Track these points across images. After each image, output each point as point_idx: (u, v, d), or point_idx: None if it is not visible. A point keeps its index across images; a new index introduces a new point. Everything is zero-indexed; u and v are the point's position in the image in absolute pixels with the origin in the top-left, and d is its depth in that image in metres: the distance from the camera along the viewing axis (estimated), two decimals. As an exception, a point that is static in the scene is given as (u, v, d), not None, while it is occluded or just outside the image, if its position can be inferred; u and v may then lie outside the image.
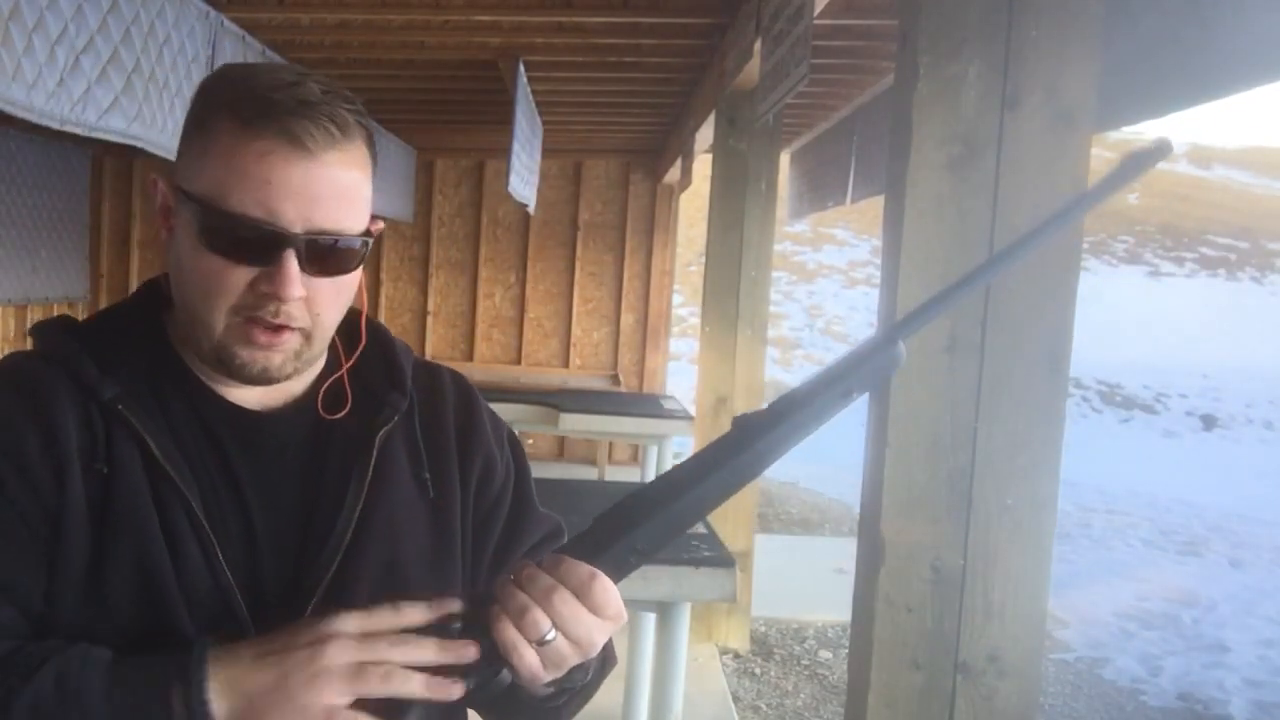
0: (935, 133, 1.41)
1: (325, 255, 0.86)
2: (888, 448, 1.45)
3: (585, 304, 7.79)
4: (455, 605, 0.81)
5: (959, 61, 1.39)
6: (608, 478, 6.76)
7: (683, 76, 4.99)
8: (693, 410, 5.18)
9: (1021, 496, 1.43)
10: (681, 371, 10.19)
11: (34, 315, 6.42)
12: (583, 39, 4.25)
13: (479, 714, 0.93)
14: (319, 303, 0.88)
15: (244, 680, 0.77)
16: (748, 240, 4.13)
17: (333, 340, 0.96)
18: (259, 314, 0.86)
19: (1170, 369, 15.73)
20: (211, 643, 0.79)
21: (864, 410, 1.50)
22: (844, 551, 5.61)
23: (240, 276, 0.85)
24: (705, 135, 4.79)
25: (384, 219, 0.95)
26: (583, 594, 0.78)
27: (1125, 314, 17.77)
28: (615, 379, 7.66)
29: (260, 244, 0.84)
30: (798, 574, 5.56)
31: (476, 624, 0.79)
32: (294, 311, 0.87)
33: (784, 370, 14.41)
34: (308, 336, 0.90)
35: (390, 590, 0.94)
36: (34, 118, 2.50)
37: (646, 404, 6.29)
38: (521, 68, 4.40)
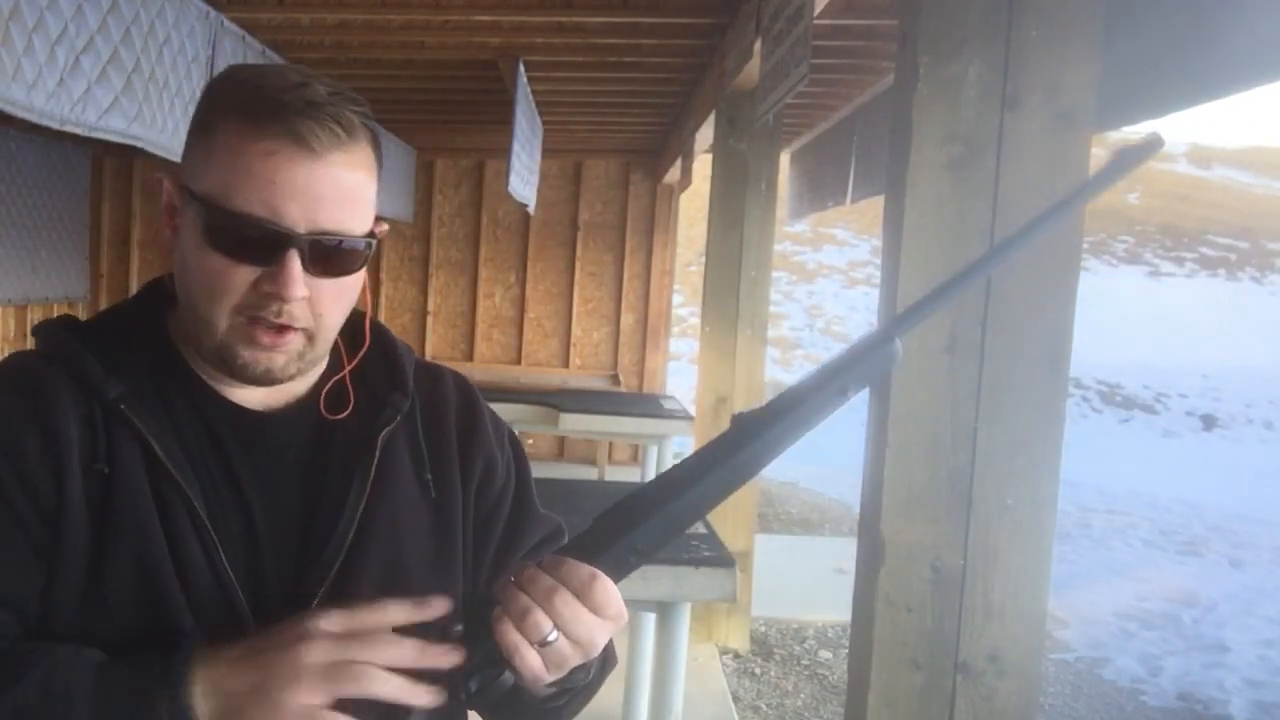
0: (935, 133, 1.40)
1: (329, 256, 0.87)
2: (888, 448, 1.44)
3: (585, 304, 7.79)
4: (443, 605, 0.81)
5: (959, 61, 1.39)
6: (608, 478, 6.76)
7: (683, 76, 4.99)
8: (693, 410, 5.18)
9: (1021, 496, 1.43)
10: (681, 371, 10.19)
11: (34, 315, 6.42)
12: (583, 39, 4.25)
13: (480, 715, 0.93)
14: (322, 303, 0.88)
15: (226, 680, 0.77)
16: (748, 240, 4.13)
17: (335, 341, 0.96)
18: (262, 314, 0.86)
19: (1170, 369, 15.73)
20: (199, 644, 0.80)
21: (864, 410, 1.51)
22: (844, 551, 5.61)
23: (244, 276, 0.85)
24: (705, 135, 4.79)
25: (384, 219, 0.95)
26: (584, 595, 0.78)
27: (1125, 314, 17.77)
28: (615, 379, 7.66)
29: (264, 243, 0.84)
30: (798, 574, 5.56)
31: (478, 626, 0.79)
32: (297, 312, 0.87)
33: (784, 370, 14.41)
34: (310, 337, 0.90)
35: (392, 590, 0.94)
36: (34, 118, 2.50)
37: (646, 404, 6.29)
38: (521, 68, 4.41)
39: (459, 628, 0.80)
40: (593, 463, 7.48)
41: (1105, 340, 15.08)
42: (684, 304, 15.29)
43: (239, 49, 3.68)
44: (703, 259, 4.83)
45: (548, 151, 5.79)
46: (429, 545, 0.98)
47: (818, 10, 2.71)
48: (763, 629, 4.71)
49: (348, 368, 1.00)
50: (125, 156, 6.93)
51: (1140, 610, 5.85)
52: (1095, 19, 1.39)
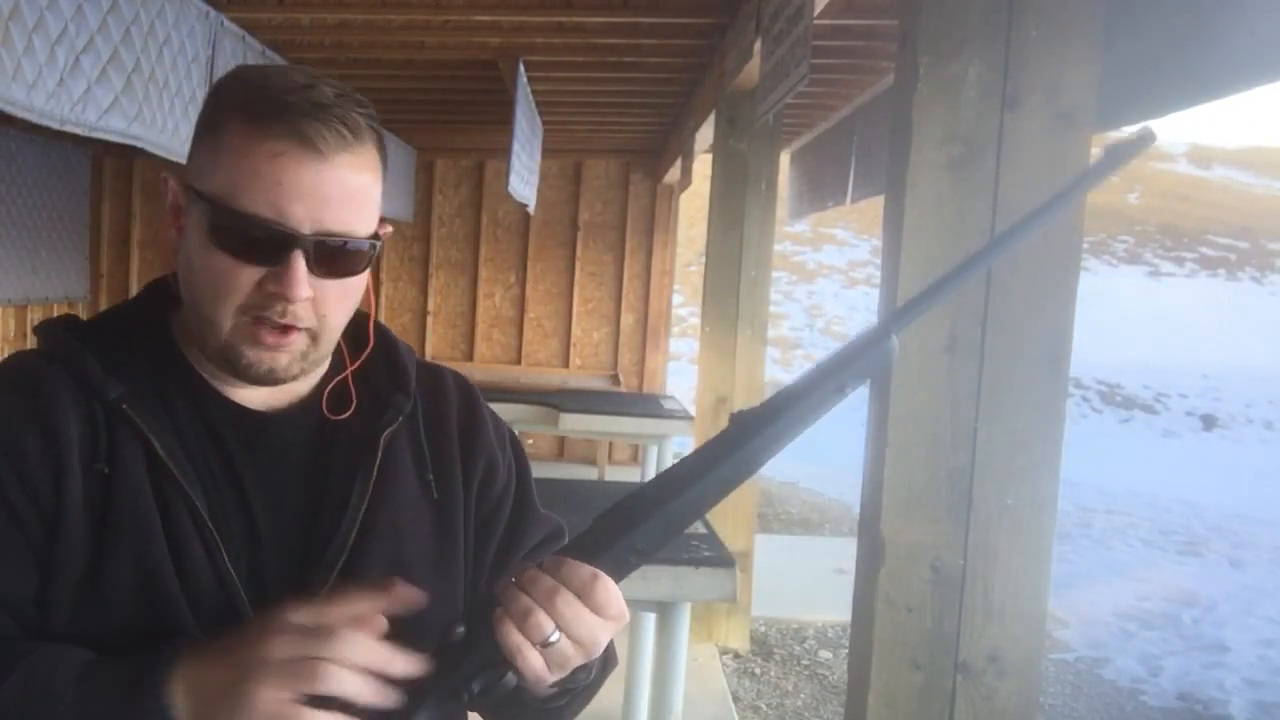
0: (935, 133, 1.40)
1: (333, 257, 0.87)
2: (888, 448, 1.44)
3: (585, 304, 7.79)
4: (411, 594, 0.80)
5: (959, 61, 1.39)
6: (608, 478, 6.76)
7: (683, 76, 4.99)
8: (693, 410, 5.18)
9: (1021, 496, 1.43)
10: (681, 371, 10.19)
11: (34, 315, 6.42)
12: (583, 39, 4.25)
13: (482, 716, 0.93)
14: (326, 304, 0.89)
15: (202, 678, 0.76)
16: (748, 240, 4.13)
17: (337, 341, 0.96)
18: (266, 314, 0.86)
19: (1170, 369, 15.73)
20: (185, 643, 0.79)
21: (864, 410, 1.51)
22: (844, 551, 5.61)
23: (248, 276, 0.85)
24: (705, 135, 4.79)
25: (386, 219, 0.95)
26: (585, 595, 0.78)
27: (1125, 314, 17.76)
28: (615, 379, 7.66)
29: (269, 244, 0.84)
30: (798, 574, 5.56)
31: (480, 627, 0.79)
32: (301, 312, 0.87)
33: (784, 370, 14.40)
34: (314, 337, 0.90)
35: None
36: (34, 118, 2.50)
37: (646, 404, 6.29)
38: (521, 68, 4.41)
39: (461, 629, 0.80)
40: (593, 463, 7.48)
41: (1105, 340, 15.08)
42: (684, 304, 15.29)
43: (239, 49, 3.68)
44: (703, 259, 4.83)
45: (548, 151, 5.79)
46: (431, 545, 0.98)
47: (818, 10, 2.71)
48: (763, 629, 4.71)
49: (350, 368, 1.00)
50: (125, 156, 6.93)
51: (1140, 610, 5.85)
52: (1095, 19, 1.39)
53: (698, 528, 2.65)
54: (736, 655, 4.38)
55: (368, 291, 0.95)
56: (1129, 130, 0.82)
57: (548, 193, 7.25)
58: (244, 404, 0.94)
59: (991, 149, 1.40)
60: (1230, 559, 7.35)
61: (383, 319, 1.01)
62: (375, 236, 0.90)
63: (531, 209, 5.63)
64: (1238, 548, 7.67)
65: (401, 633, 0.94)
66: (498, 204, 7.63)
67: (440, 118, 6.30)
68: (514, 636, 0.77)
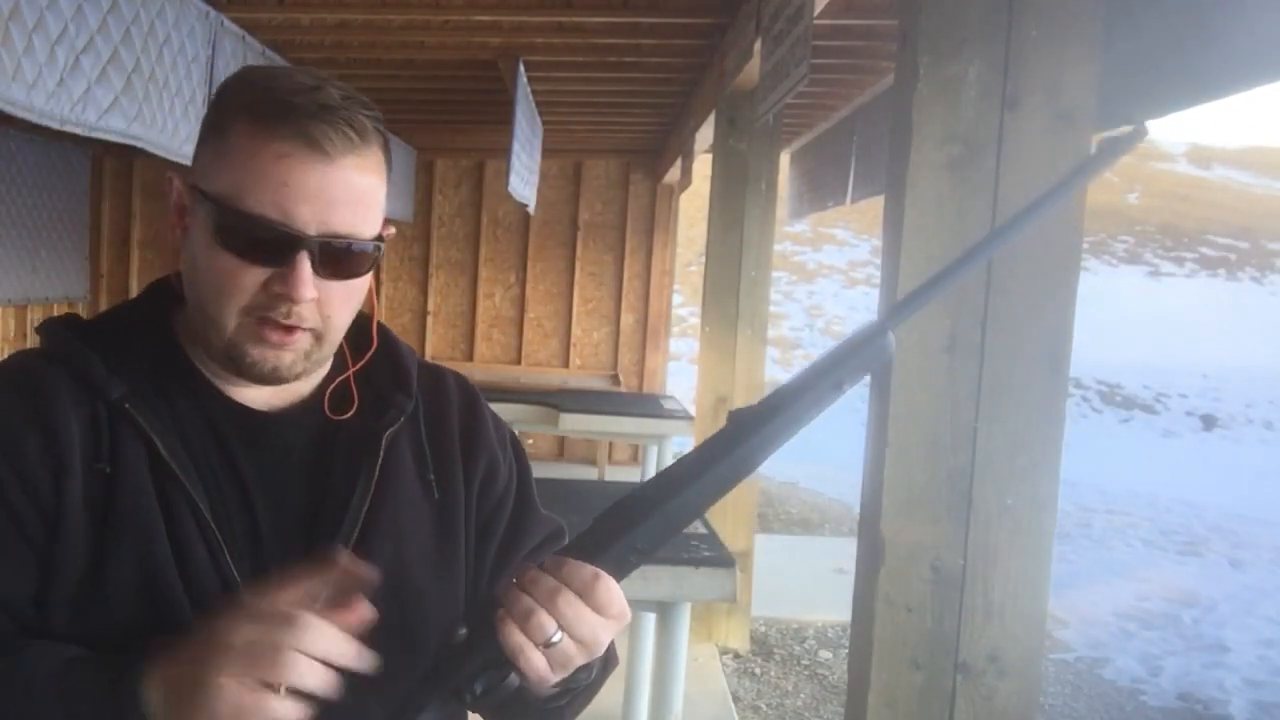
0: (935, 133, 1.40)
1: (338, 258, 0.87)
2: (888, 448, 1.44)
3: (585, 304, 7.79)
4: (365, 571, 0.78)
5: (959, 61, 1.39)
6: (608, 478, 6.76)
7: (683, 76, 4.99)
8: (693, 410, 5.18)
9: (1021, 496, 1.43)
10: (681, 371, 10.19)
11: (34, 315, 6.42)
12: (583, 39, 4.25)
13: (483, 717, 0.93)
14: (330, 304, 0.89)
15: (170, 670, 0.75)
16: (748, 240, 4.13)
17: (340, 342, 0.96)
18: (271, 314, 0.87)
19: (1170, 369, 15.73)
20: (164, 637, 0.79)
21: (864, 410, 1.51)
22: (844, 551, 5.61)
23: (254, 276, 0.86)
24: (705, 135, 4.79)
25: (388, 220, 0.95)
26: (586, 594, 0.78)
27: (1125, 314, 17.76)
28: (615, 379, 7.66)
29: (275, 245, 0.85)
30: (798, 574, 5.56)
31: (482, 628, 0.79)
32: (305, 313, 0.88)
33: (784, 370, 14.41)
34: (319, 337, 0.90)
35: (396, 590, 0.94)
36: (34, 118, 2.50)
37: (646, 404, 6.29)
38: (521, 68, 4.41)
39: (463, 630, 0.80)
40: (593, 463, 7.48)
41: (1105, 340, 15.08)
42: (684, 304, 15.29)
43: (239, 49, 3.68)
44: (703, 259, 4.83)
45: (548, 151, 5.79)
46: (432, 545, 0.98)
47: (818, 10, 2.71)
48: (763, 629, 4.71)
49: (352, 369, 1.00)
50: (125, 156, 6.93)
51: (1140, 610, 5.85)
52: (1095, 19, 1.39)
53: (698, 528, 2.65)
54: (736, 655, 4.38)
55: (370, 292, 0.95)
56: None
57: (548, 193, 7.25)
58: (246, 404, 0.95)
59: (991, 149, 1.40)
60: (1230, 559, 7.35)
61: (383, 319, 1.01)
62: (379, 238, 0.91)
63: (531, 209, 5.63)
64: (1238, 548, 7.67)
65: (403, 631, 0.95)
66: (498, 204, 7.63)
67: (440, 118, 6.30)
68: (516, 637, 0.77)
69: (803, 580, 5.47)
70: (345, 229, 0.86)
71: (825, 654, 4.55)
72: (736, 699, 3.91)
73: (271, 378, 0.90)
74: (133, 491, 0.86)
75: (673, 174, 6.98)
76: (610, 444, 7.37)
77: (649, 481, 0.82)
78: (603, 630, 0.79)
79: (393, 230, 0.95)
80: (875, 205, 2.58)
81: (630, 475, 6.87)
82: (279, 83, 0.86)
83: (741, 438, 0.81)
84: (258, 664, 0.72)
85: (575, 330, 7.79)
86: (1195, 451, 12.89)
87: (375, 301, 0.99)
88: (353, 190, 0.86)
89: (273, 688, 0.73)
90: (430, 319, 7.85)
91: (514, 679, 0.79)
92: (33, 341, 0.96)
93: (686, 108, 5.61)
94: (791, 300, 18.59)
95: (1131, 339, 16.66)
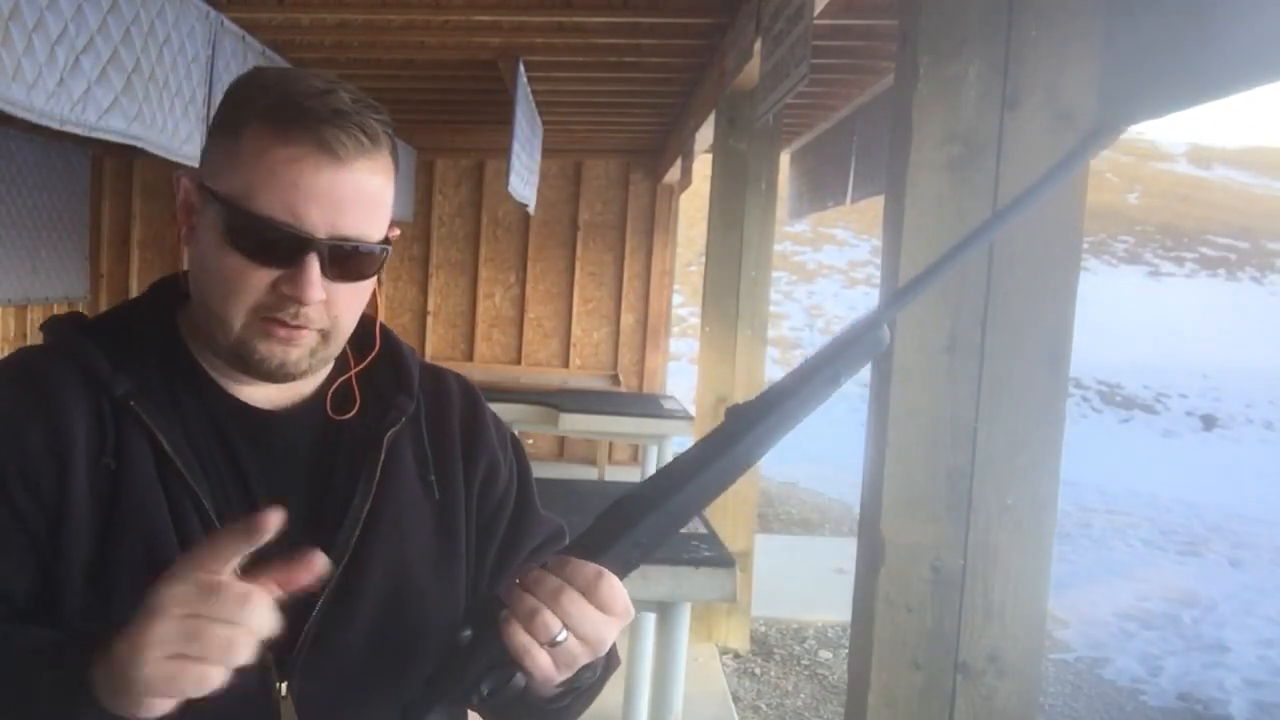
0: (935, 133, 1.40)
1: (346, 260, 0.88)
2: (888, 448, 1.44)
3: (585, 304, 7.79)
4: (274, 517, 0.72)
5: (959, 61, 1.39)
6: (608, 478, 6.76)
7: (683, 76, 4.99)
8: (693, 410, 5.18)
9: (1021, 496, 1.43)
10: (681, 371, 10.19)
11: (34, 315, 6.42)
12: (583, 39, 4.25)
13: (482, 717, 0.93)
14: (338, 305, 0.90)
15: (115, 649, 0.71)
16: (748, 240, 4.13)
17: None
18: (278, 315, 0.87)
19: (1170, 369, 15.73)
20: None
21: (864, 410, 1.51)
22: (844, 551, 5.61)
23: (262, 277, 0.86)
24: (705, 135, 4.79)
25: (393, 222, 0.96)
26: (590, 593, 0.78)
27: (1125, 314, 17.76)
28: (615, 379, 7.66)
29: (284, 246, 0.85)
30: (798, 574, 5.56)
31: (486, 629, 0.79)
32: (313, 314, 0.88)
33: (784, 370, 14.39)
34: (325, 336, 0.91)
35: (396, 590, 0.94)
36: (34, 118, 2.50)
37: (646, 404, 6.29)
38: (521, 68, 4.41)
39: (467, 633, 0.80)
40: (593, 463, 7.48)
41: (1105, 340, 15.09)
42: (684, 304, 15.29)
43: (239, 49, 3.68)
44: (703, 259, 4.83)
45: (548, 151, 5.79)
46: (432, 545, 0.98)
47: (818, 10, 2.71)
48: (763, 629, 4.71)
49: (354, 369, 1.00)
50: (125, 156, 6.93)
51: (1140, 610, 5.85)
52: (1095, 18, 1.39)
53: (698, 527, 2.65)
54: (736, 655, 4.38)
55: (373, 294, 0.96)
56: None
57: (548, 193, 7.25)
58: (250, 402, 0.95)
59: (991, 149, 1.40)
60: (1230, 559, 7.34)
61: (383, 319, 1.01)
62: (386, 240, 0.91)
63: (531, 209, 5.63)
64: (1238, 548, 7.66)
65: (404, 631, 0.95)
66: (498, 204, 7.63)
67: (440, 118, 6.30)
68: (521, 637, 0.77)
69: (803, 580, 5.47)
70: (354, 232, 0.87)
71: (825, 654, 4.55)
72: (736, 699, 3.91)
73: (278, 374, 0.91)
74: (139, 487, 0.87)
75: (673, 174, 6.98)
76: (610, 444, 7.37)
77: (649, 479, 0.82)
78: (607, 628, 0.80)
79: (397, 231, 0.95)
80: (875, 205, 2.58)
81: (630, 475, 6.87)
82: (292, 85, 0.87)
83: (740, 433, 0.81)
84: (196, 638, 0.69)
85: (575, 330, 7.79)
86: (1195, 451, 12.88)
87: (379, 302, 0.99)
88: (362, 193, 0.87)
89: (207, 660, 0.69)
90: (430, 319, 7.85)
91: (520, 679, 0.79)
92: (33, 342, 0.97)
93: (686, 108, 5.61)
94: (791, 300, 18.58)
95: (1131, 339, 16.66)
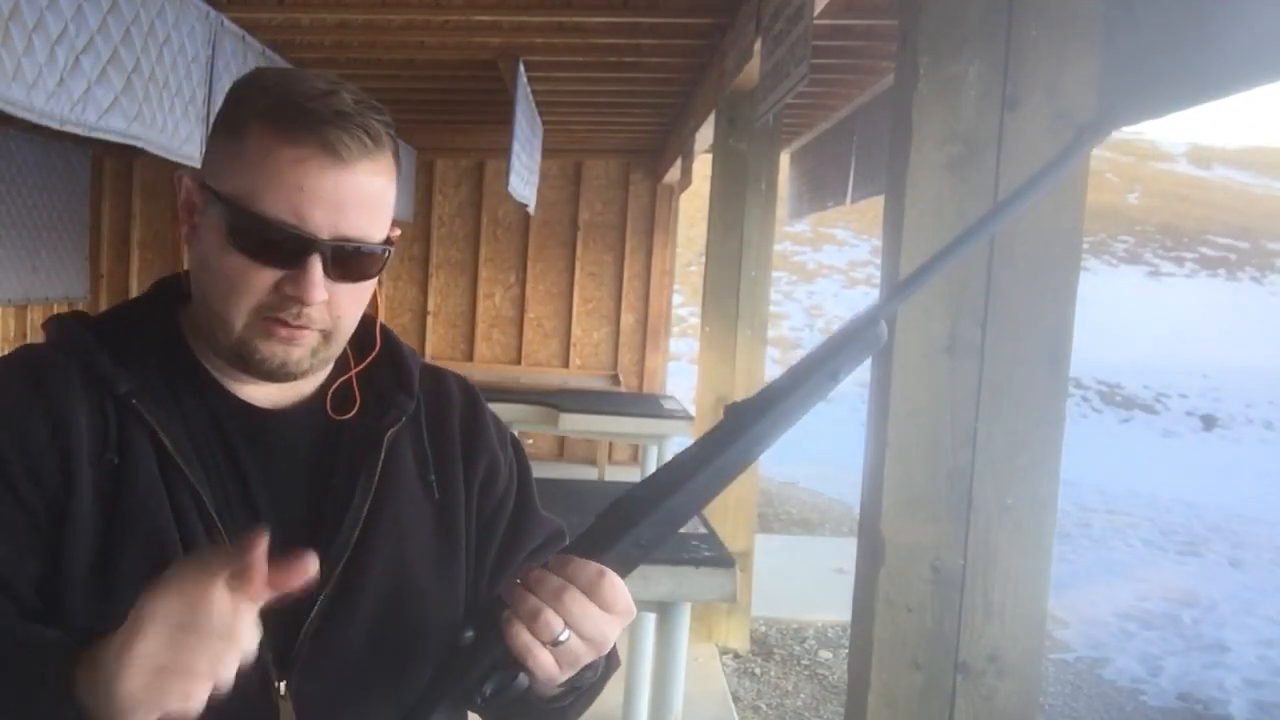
0: (935, 133, 1.40)
1: (349, 261, 0.88)
2: (888, 448, 1.44)
3: (585, 304, 7.79)
4: (263, 541, 0.70)
5: (959, 61, 1.39)
6: (608, 478, 6.76)
7: (683, 76, 4.99)
8: (693, 410, 5.18)
9: (1021, 496, 1.43)
10: (681, 371, 10.19)
11: (34, 315, 6.42)
12: (583, 39, 4.25)
13: (483, 718, 0.93)
14: (340, 306, 0.90)
15: (101, 658, 0.71)
16: (748, 240, 4.14)
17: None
18: (280, 315, 0.88)
19: (1170, 369, 15.72)
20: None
21: (864, 410, 1.51)
22: (844, 551, 5.61)
23: (265, 277, 0.87)
24: (705, 135, 4.79)
25: (394, 223, 0.96)
26: (592, 592, 0.78)
27: (1125, 314, 17.76)
28: (615, 379, 7.66)
29: (287, 247, 0.86)
30: (798, 574, 5.56)
31: (488, 630, 0.79)
32: (315, 315, 0.89)
33: (784, 370, 14.38)
34: (327, 336, 0.91)
35: (396, 589, 0.94)
36: (34, 118, 2.50)
37: (646, 404, 6.29)
38: (521, 68, 4.41)
39: (469, 634, 0.80)
40: (593, 463, 7.48)
41: (1105, 340, 15.08)
42: (684, 304, 15.28)
43: (239, 49, 3.68)
44: (703, 259, 4.83)
45: (548, 151, 5.79)
46: (432, 545, 0.99)
47: (818, 10, 2.71)
48: (763, 629, 4.71)
49: (354, 369, 1.01)
50: (125, 156, 6.93)
51: (1140, 610, 5.85)
52: (1095, 18, 1.39)
53: (698, 527, 2.65)
54: (736, 655, 4.38)
55: (373, 294, 0.96)
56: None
57: (548, 193, 7.25)
58: (251, 401, 0.95)
59: (991, 149, 1.40)
60: (1230, 559, 7.34)
61: (382, 319, 1.01)
62: (388, 241, 0.92)
63: (531, 209, 5.63)
64: (1238, 548, 7.66)
65: (404, 631, 0.95)
66: (498, 204, 7.63)
67: (440, 118, 6.30)
68: (524, 637, 0.77)
69: (803, 580, 5.47)
70: (357, 233, 0.87)
71: (825, 654, 4.55)
72: (736, 699, 3.91)
73: (280, 373, 0.91)
74: (141, 484, 0.87)
75: (673, 174, 6.98)
76: (610, 444, 7.37)
77: (649, 478, 0.82)
78: (609, 627, 0.80)
79: (399, 231, 0.96)
80: (875, 205, 2.58)
81: (630, 475, 6.86)
82: (295, 86, 0.87)
83: (739, 430, 0.81)
84: (183, 651, 0.68)
85: (575, 330, 7.79)
86: (1195, 451, 12.88)
87: (380, 303, 0.99)
88: (365, 195, 0.87)
89: (192, 674, 0.68)
90: (430, 319, 7.85)
91: (523, 680, 0.79)
92: (33, 342, 0.97)
93: (686, 108, 5.61)
94: (791, 300, 18.58)
95: (1131, 339, 16.66)
